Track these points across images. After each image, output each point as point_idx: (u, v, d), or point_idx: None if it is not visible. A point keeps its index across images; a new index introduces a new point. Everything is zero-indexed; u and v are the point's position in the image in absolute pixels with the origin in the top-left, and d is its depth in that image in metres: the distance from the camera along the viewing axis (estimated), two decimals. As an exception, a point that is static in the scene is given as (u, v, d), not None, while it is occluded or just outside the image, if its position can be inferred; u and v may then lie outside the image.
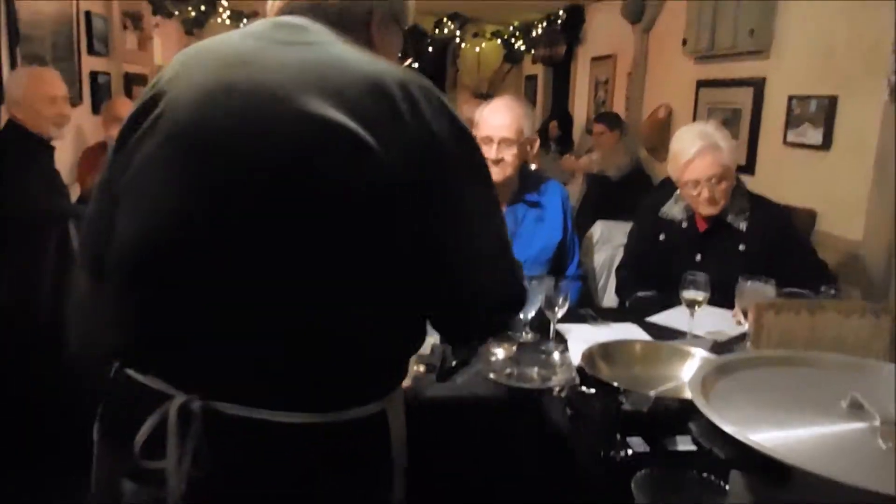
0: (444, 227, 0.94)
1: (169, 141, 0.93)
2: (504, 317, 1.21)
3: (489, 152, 2.09)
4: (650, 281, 2.21)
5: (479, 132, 2.14)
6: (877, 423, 0.78)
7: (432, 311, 1.01)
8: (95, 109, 4.29)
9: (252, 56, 0.95)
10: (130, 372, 0.95)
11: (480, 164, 1.02)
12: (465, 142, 0.98)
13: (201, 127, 0.92)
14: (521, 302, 1.07)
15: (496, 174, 2.10)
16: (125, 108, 3.51)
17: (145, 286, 0.93)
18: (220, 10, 6.27)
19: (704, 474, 1.02)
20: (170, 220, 0.91)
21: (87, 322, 2.54)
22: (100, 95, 4.39)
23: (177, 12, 5.69)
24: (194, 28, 6.20)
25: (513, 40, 7.09)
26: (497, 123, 2.10)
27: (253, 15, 6.60)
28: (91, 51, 4.31)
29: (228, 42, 1.00)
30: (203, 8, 6.05)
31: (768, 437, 0.77)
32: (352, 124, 0.88)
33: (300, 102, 0.89)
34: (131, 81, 5.04)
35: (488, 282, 1.00)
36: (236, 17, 6.49)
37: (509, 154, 2.09)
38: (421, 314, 1.00)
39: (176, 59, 1.02)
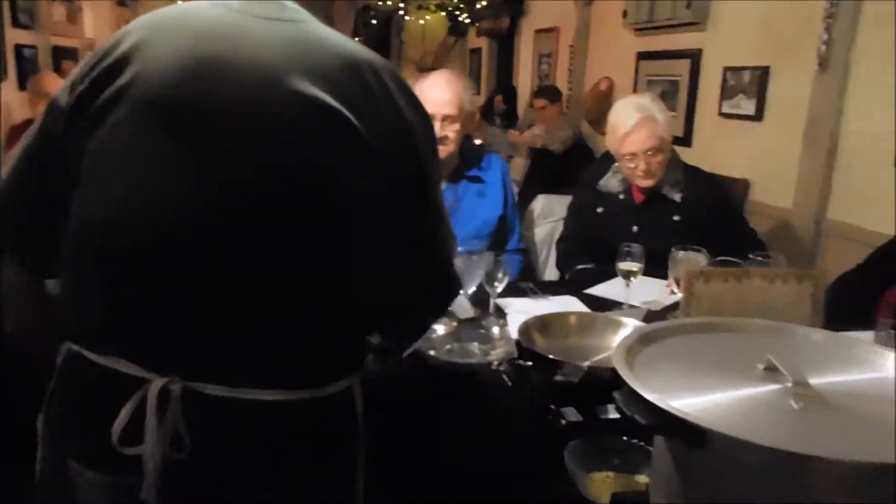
0: (422, 218, 0.97)
1: (143, 116, 0.86)
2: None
3: None
4: (590, 253, 2.24)
5: None
6: (790, 384, 0.81)
7: (406, 292, 1.02)
8: (22, 85, 4.09)
9: (232, 30, 0.90)
10: (91, 355, 0.90)
11: (437, 152, 1.03)
12: (430, 130, 0.99)
13: (182, 104, 0.86)
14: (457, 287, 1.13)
15: (441, 152, 2.08)
16: (54, 83, 3.36)
17: (121, 269, 0.88)
18: (153, -19, 6.03)
19: (634, 440, 1.05)
20: (154, 203, 0.86)
21: (25, 302, 2.44)
22: (26, 70, 4.19)
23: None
24: (127, 0, 5.95)
25: (457, 13, 7.04)
26: (439, 99, 2.05)
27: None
28: (16, 23, 4.11)
29: (199, 12, 0.93)
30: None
31: (688, 402, 0.79)
32: (344, 110, 0.86)
33: (290, 83, 0.86)
34: (60, 55, 4.82)
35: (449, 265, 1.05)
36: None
37: (452, 131, 2.07)
38: (394, 293, 1.01)
39: (136, 27, 0.93)
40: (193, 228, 0.86)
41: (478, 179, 2.20)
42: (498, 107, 5.84)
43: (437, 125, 2.05)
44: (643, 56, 4.11)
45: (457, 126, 2.07)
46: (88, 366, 0.90)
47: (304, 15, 0.95)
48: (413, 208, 0.95)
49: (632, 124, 2.11)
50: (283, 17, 0.93)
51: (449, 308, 1.41)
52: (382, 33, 7.43)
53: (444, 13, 7.22)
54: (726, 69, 3.35)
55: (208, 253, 0.87)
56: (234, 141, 0.86)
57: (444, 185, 2.16)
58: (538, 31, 5.77)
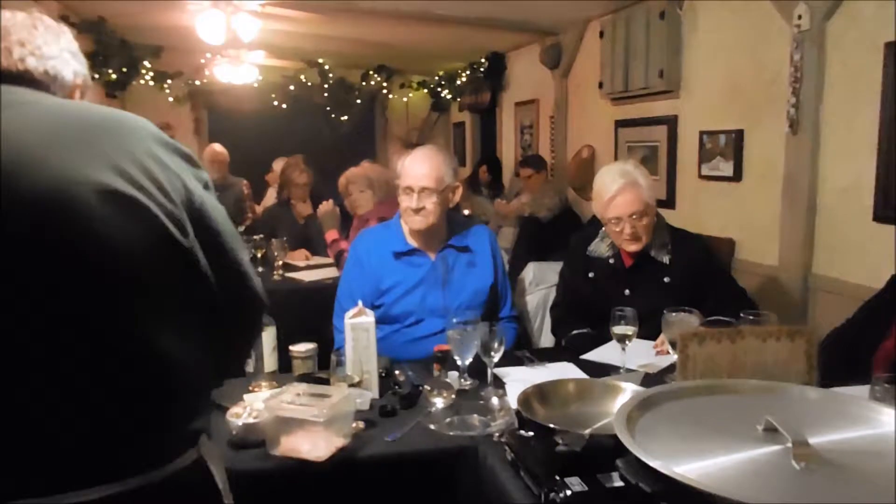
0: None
1: None
2: None
3: (410, 201, 2.13)
4: (584, 318, 2.26)
5: (401, 182, 2.18)
6: (790, 444, 0.82)
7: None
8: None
9: None
10: None
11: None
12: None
13: None
14: None
15: (419, 222, 2.14)
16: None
17: None
18: (143, 71, 6.20)
19: (640, 508, 1.04)
20: None
21: None
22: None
23: (97, 75, 5.59)
24: (116, 90, 6.10)
25: (439, 89, 7.26)
26: (417, 173, 2.15)
27: (177, 75, 6.55)
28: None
29: None
30: (125, 70, 5.96)
31: (691, 467, 0.80)
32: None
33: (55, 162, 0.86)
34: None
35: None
36: (160, 78, 6.42)
37: (430, 202, 2.13)
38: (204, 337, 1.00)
39: None
40: None
41: (466, 249, 2.25)
42: (483, 177, 5.96)
43: (414, 197, 2.13)
44: (621, 123, 4.25)
45: (434, 198, 2.14)
46: None
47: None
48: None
49: (616, 189, 2.17)
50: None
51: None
52: (367, 113, 7.63)
53: (426, 90, 7.46)
54: (702, 133, 3.47)
55: None
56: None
57: (433, 257, 2.20)
58: (518, 104, 5.96)
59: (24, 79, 0.96)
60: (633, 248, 2.20)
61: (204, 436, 1.01)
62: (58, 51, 1.01)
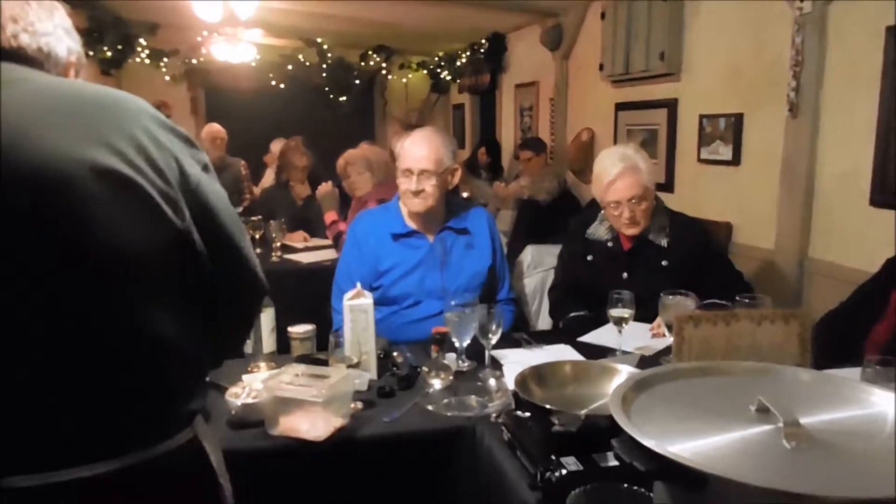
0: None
1: None
2: None
3: (409, 184, 2.14)
4: (582, 301, 2.28)
5: (401, 164, 2.18)
6: (781, 424, 0.84)
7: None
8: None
9: None
10: None
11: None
12: None
13: None
14: None
15: (418, 205, 2.15)
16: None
17: None
18: (139, 48, 6.14)
19: (634, 487, 1.06)
20: None
21: None
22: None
23: (91, 52, 5.55)
24: (111, 68, 6.05)
25: (438, 70, 7.22)
26: (416, 155, 2.15)
27: (173, 53, 6.50)
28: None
29: None
30: (120, 47, 5.90)
31: (685, 447, 0.81)
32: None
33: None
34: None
35: None
36: (156, 56, 6.37)
37: (429, 185, 2.14)
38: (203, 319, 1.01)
39: None
40: None
41: (465, 231, 2.26)
42: (482, 160, 5.95)
43: (413, 179, 2.13)
44: (621, 106, 4.24)
45: (433, 181, 2.14)
46: None
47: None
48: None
49: (616, 173, 2.18)
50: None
51: None
52: (366, 93, 7.59)
53: (425, 71, 7.41)
54: (702, 117, 3.46)
55: None
56: None
57: (431, 239, 2.21)
58: (518, 86, 5.94)
59: (18, 56, 0.95)
60: (631, 231, 2.21)
61: (200, 416, 1.02)
62: (51, 27, 1.00)
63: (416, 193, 2.14)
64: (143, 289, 0.92)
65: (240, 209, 4.61)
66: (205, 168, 1.02)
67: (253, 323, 1.55)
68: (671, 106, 3.73)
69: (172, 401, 0.97)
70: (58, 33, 1.01)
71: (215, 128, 5.38)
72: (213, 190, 1.02)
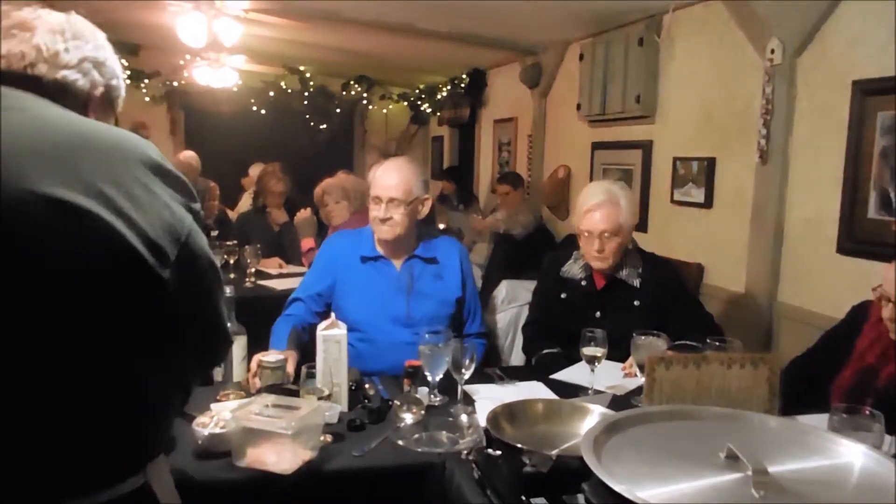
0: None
1: None
2: None
3: (378, 211, 2.16)
4: (555, 338, 2.29)
5: (371, 191, 2.22)
6: (749, 472, 0.85)
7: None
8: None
9: None
10: None
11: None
12: None
13: None
14: None
15: (386, 232, 2.17)
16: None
17: None
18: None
19: (604, 530, 1.06)
20: None
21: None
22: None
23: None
24: (91, 88, 6.02)
25: (419, 102, 7.29)
26: (386, 184, 2.18)
27: (154, 75, 6.49)
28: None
29: None
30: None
31: (654, 492, 0.82)
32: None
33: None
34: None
35: None
36: (136, 77, 6.35)
37: (397, 213, 2.16)
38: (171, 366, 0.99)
39: None
40: None
41: (433, 261, 2.27)
42: (446, 191, 5.94)
43: (382, 207, 2.17)
44: (598, 146, 4.31)
45: (402, 209, 2.17)
46: None
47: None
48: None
49: (594, 202, 2.22)
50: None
51: None
52: (346, 122, 7.63)
53: (406, 103, 7.49)
54: (676, 159, 3.53)
55: None
56: None
57: (399, 266, 2.23)
58: (497, 121, 6.01)
59: (30, 84, 0.94)
60: (599, 265, 2.24)
61: (154, 460, 0.99)
62: (77, 60, 0.99)
63: (384, 221, 2.16)
64: (96, 324, 0.89)
65: (214, 233, 4.56)
66: (195, 217, 1.00)
67: (213, 369, 1.53)
68: (646, 147, 3.80)
69: (116, 446, 0.93)
70: (84, 67, 1.01)
71: (187, 156, 5.50)
72: (202, 241, 1.01)
